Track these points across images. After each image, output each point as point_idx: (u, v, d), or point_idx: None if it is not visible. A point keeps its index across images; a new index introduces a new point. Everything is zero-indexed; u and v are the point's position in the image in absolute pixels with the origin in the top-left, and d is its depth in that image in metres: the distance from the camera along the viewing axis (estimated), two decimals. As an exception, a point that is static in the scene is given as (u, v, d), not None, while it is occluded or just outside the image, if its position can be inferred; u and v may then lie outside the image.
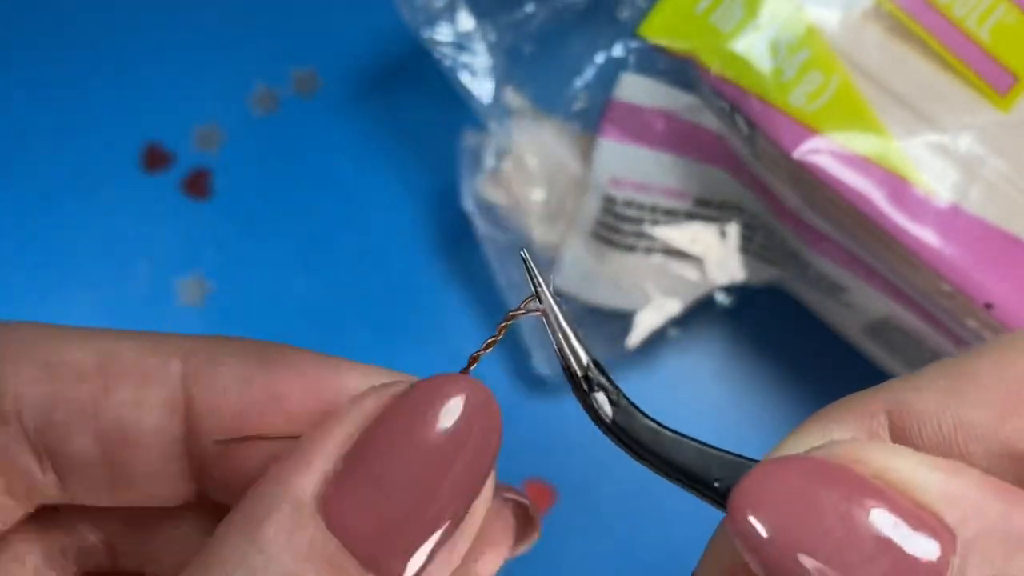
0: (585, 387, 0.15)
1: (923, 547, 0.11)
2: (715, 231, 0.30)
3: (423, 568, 0.13)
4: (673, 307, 0.31)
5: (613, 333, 0.31)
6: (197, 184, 0.36)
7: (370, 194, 0.36)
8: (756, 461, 0.13)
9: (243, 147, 0.36)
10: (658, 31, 0.27)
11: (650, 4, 0.28)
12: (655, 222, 0.30)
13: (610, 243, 0.30)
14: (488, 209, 0.31)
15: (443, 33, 0.30)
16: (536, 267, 0.16)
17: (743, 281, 0.31)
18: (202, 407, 0.15)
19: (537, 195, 0.31)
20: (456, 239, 0.35)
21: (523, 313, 0.15)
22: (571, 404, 0.36)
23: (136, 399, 0.15)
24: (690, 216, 0.30)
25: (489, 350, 0.15)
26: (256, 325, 0.34)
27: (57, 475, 0.16)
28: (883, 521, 0.11)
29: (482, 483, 0.14)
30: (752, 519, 0.12)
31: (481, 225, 0.32)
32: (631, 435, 0.14)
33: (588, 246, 0.30)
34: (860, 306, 0.29)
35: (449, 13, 0.30)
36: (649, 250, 0.30)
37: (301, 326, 0.34)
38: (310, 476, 0.13)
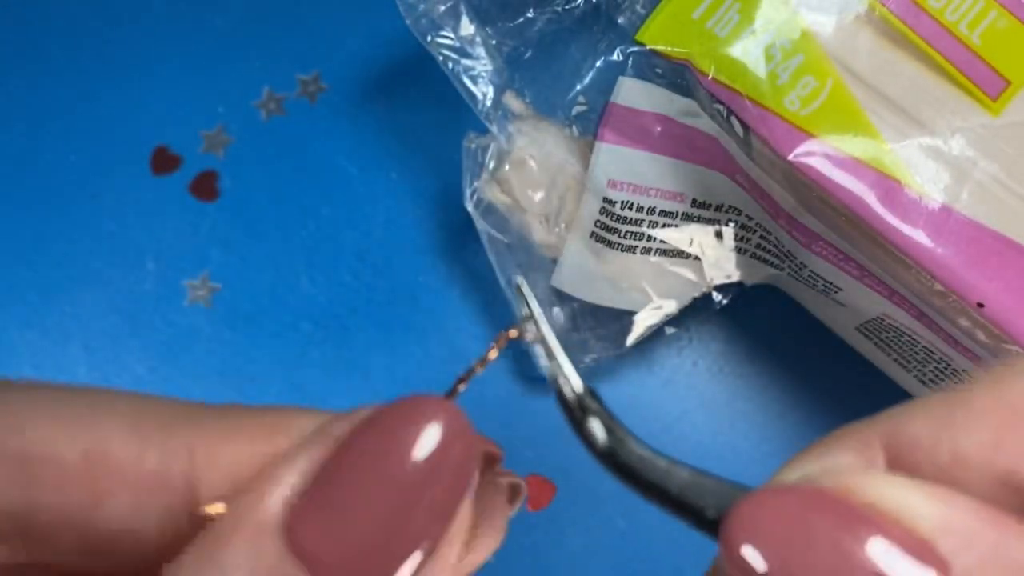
0: (579, 414, 0.14)
1: None
2: (711, 232, 0.31)
3: None
4: (671, 306, 0.31)
5: (613, 333, 0.32)
6: (204, 186, 0.36)
7: (373, 195, 0.36)
8: (750, 489, 0.13)
9: (249, 150, 0.37)
10: (656, 36, 0.28)
11: (648, 10, 0.28)
12: (653, 224, 0.30)
13: (609, 244, 0.30)
14: (489, 210, 0.32)
15: (445, 38, 0.30)
16: (532, 295, 0.15)
17: (739, 280, 0.31)
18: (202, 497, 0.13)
19: (537, 197, 0.31)
20: (458, 239, 0.36)
21: (517, 337, 0.15)
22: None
23: (134, 505, 0.13)
24: (687, 218, 0.30)
25: (479, 371, 0.15)
26: (262, 325, 0.35)
27: (26, 550, 0.14)
28: (877, 551, 0.11)
29: (455, 512, 0.13)
30: (745, 549, 0.11)
31: (482, 226, 0.32)
32: (624, 462, 0.14)
33: (587, 247, 0.31)
34: (854, 305, 0.30)
35: (451, 18, 0.30)
36: (647, 251, 0.30)
37: (306, 325, 0.35)
38: (273, 499, 0.12)
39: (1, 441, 0.13)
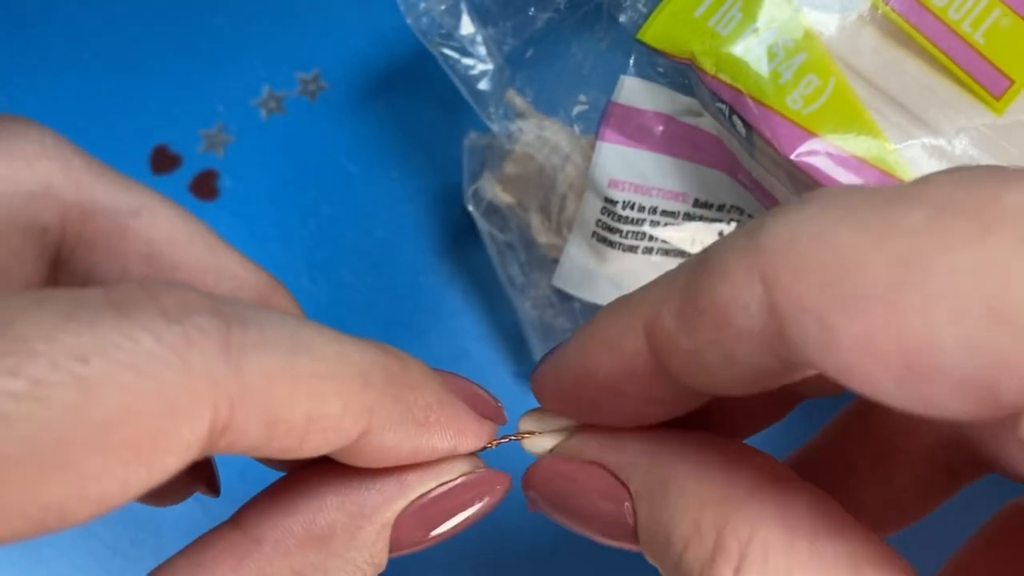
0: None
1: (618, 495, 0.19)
2: (714, 232, 0.31)
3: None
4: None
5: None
6: (204, 186, 0.36)
7: (374, 195, 0.36)
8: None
9: (249, 149, 0.37)
10: (658, 35, 0.27)
11: (650, 8, 0.28)
12: (655, 223, 0.30)
13: (610, 243, 0.30)
14: (490, 209, 0.32)
15: (446, 37, 0.30)
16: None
17: (741, 281, 0.31)
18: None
19: (538, 196, 0.31)
20: (459, 239, 0.36)
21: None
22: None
23: None
24: (689, 217, 0.30)
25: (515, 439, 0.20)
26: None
27: None
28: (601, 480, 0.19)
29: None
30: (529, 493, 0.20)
31: (484, 225, 0.32)
32: None
33: (588, 246, 0.31)
34: (856, 305, 0.30)
35: (452, 17, 0.30)
36: (649, 250, 0.30)
37: (307, 325, 0.35)
38: (394, 508, 0.19)
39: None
